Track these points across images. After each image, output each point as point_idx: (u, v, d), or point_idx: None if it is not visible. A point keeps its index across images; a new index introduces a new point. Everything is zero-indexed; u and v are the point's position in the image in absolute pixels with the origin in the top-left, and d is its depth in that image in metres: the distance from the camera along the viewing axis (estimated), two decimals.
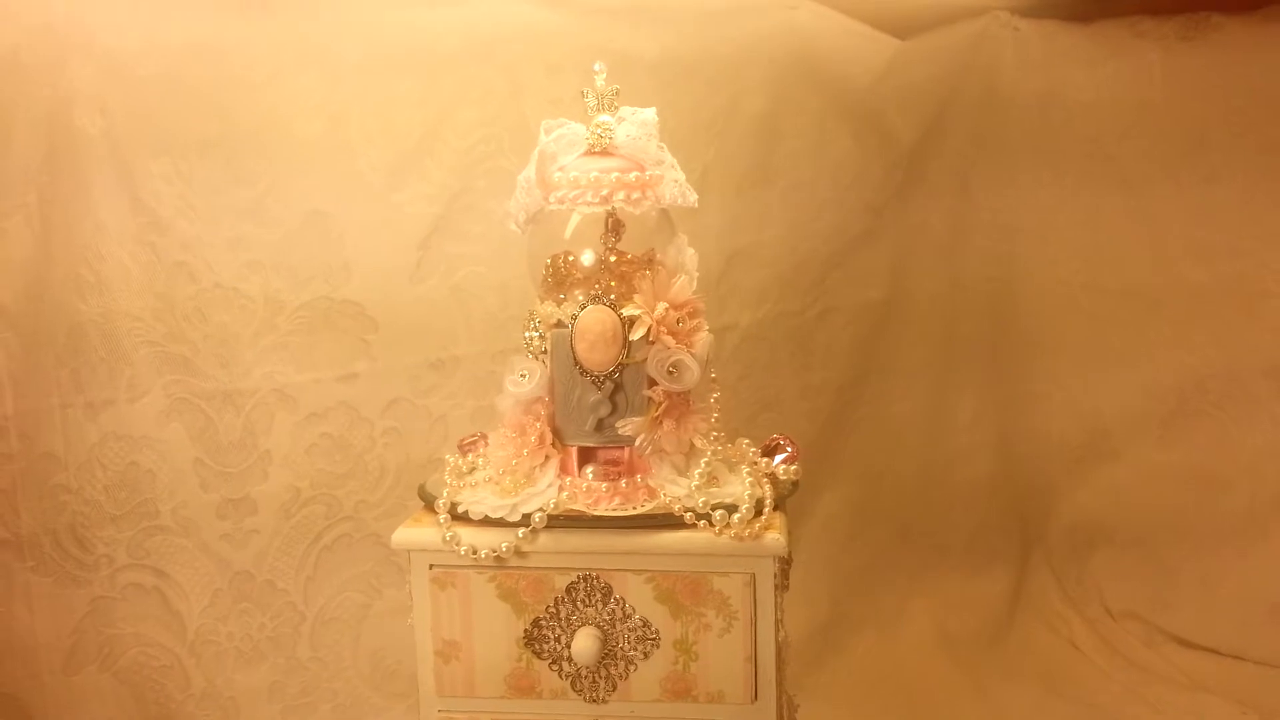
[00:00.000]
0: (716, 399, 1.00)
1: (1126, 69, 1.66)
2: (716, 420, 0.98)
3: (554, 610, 0.93)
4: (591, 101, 0.97)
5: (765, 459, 1.00)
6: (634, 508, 0.92)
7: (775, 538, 0.90)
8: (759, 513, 0.92)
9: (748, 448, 1.02)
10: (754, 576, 0.91)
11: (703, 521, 0.90)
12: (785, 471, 0.99)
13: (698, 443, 0.96)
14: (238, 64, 1.26)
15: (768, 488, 0.95)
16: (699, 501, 0.91)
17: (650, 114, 0.96)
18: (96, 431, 1.24)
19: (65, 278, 1.21)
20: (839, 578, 1.70)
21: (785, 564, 0.93)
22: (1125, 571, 1.77)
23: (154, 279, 1.25)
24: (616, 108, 0.97)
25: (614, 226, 0.99)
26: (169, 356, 1.26)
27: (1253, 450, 1.69)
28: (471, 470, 1.03)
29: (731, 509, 0.91)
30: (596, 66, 0.97)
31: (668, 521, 0.91)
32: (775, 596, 0.92)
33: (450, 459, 1.04)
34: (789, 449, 1.02)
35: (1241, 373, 1.68)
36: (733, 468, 0.99)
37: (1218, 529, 1.71)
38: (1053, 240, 1.77)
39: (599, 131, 0.96)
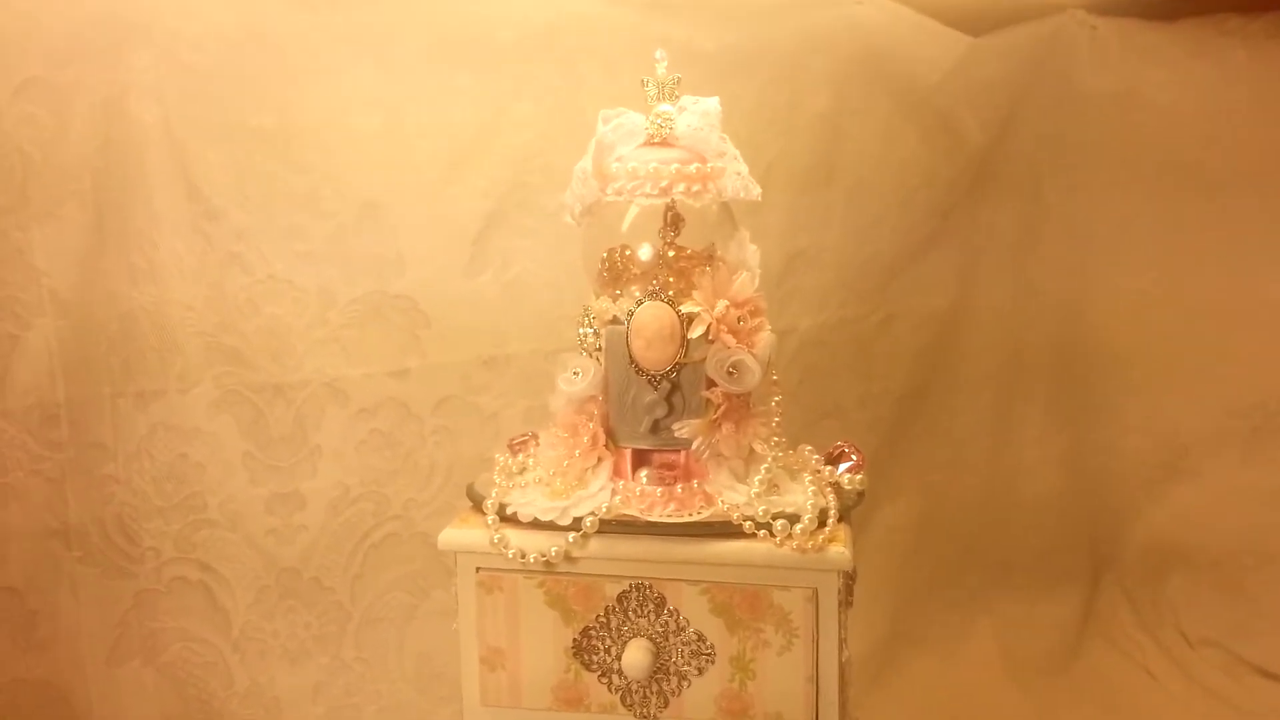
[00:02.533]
0: (778, 402, 0.95)
1: (1210, 70, 1.58)
2: (778, 424, 0.93)
3: (604, 620, 0.89)
4: (652, 90, 0.93)
5: (829, 467, 0.96)
6: (690, 514, 0.88)
7: (840, 551, 0.86)
8: (823, 524, 0.87)
9: (810, 455, 0.97)
10: (816, 591, 0.86)
11: (763, 531, 0.85)
12: (850, 481, 0.94)
13: (758, 448, 0.92)
14: (296, 54, 1.25)
15: (832, 497, 0.90)
16: (759, 510, 0.86)
17: (713, 104, 0.92)
18: (146, 422, 1.23)
19: (118, 265, 1.20)
20: (899, 594, 1.64)
21: (850, 579, 0.89)
22: (1204, 596, 1.68)
23: (207, 268, 1.24)
24: (677, 97, 0.93)
25: (673, 220, 0.95)
26: (220, 347, 1.25)
27: None
28: (522, 470, 1.00)
29: (794, 519, 0.86)
30: (658, 54, 0.93)
31: (725, 530, 0.86)
32: (839, 614, 0.87)
33: (500, 458, 1.01)
34: (854, 457, 0.97)
35: None
36: (794, 475, 0.94)
37: None
38: (1127, 249, 1.69)
39: (659, 121, 0.92)
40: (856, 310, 1.62)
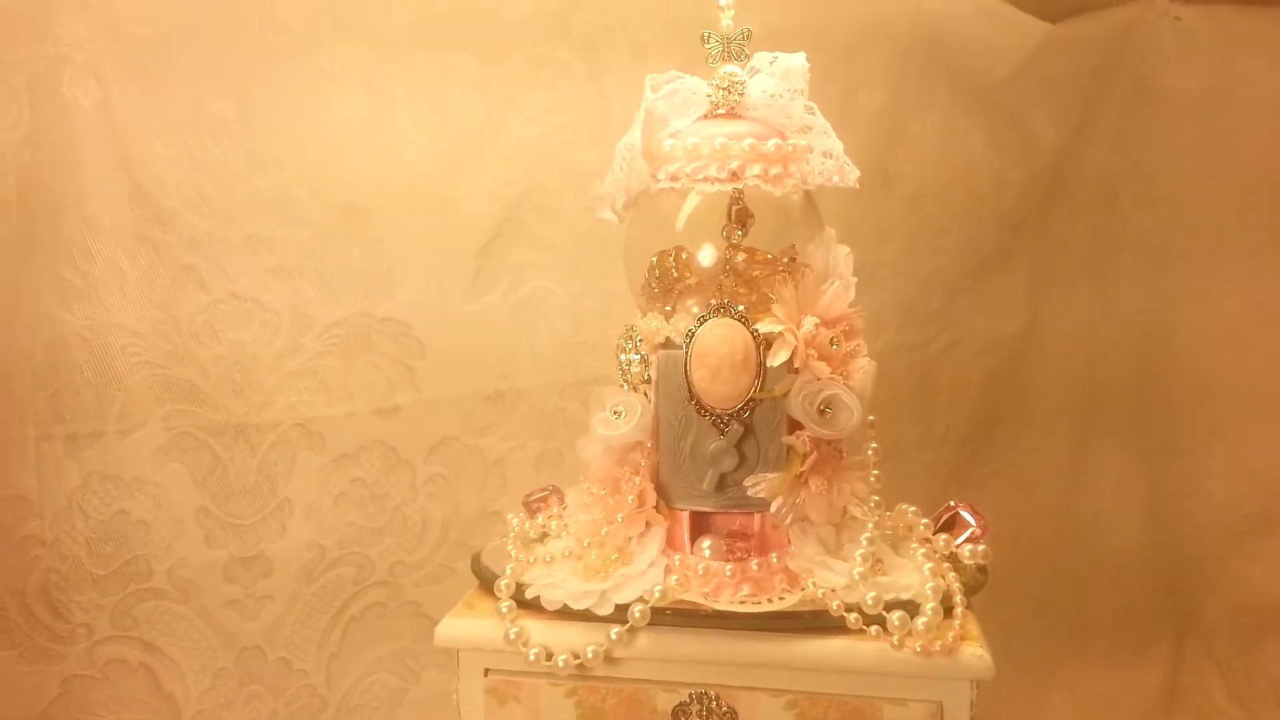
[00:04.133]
0: (875, 450, 0.74)
1: None
2: (877, 480, 0.72)
3: None
4: (715, 47, 0.73)
5: (941, 535, 0.74)
6: (771, 601, 0.66)
7: (976, 654, 0.64)
8: (948, 614, 0.65)
9: (916, 518, 0.75)
10: (941, 707, 0.65)
11: (874, 627, 0.64)
12: (973, 554, 0.73)
13: (855, 511, 0.70)
14: (263, 27, 1.06)
15: (953, 577, 0.68)
16: (866, 597, 0.65)
17: (797, 60, 0.72)
18: (79, 471, 1.04)
19: (46, 281, 1.02)
20: None
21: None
22: None
23: (155, 286, 1.06)
24: (748, 56, 0.73)
25: (739, 216, 0.75)
26: (171, 381, 1.07)
27: None
28: (542, 537, 0.79)
29: (912, 609, 0.64)
30: (723, 1, 0.73)
31: (820, 624, 0.65)
32: None
33: (514, 520, 0.80)
34: (973, 521, 0.75)
35: None
36: (898, 547, 0.73)
37: None
38: (1218, 265, 1.49)
39: (726, 85, 0.72)
40: (916, 336, 1.41)
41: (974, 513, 0.76)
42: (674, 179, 0.70)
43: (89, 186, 1.02)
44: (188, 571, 1.08)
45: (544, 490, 0.84)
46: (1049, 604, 1.53)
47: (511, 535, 0.78)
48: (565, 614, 0.68)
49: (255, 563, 1.10)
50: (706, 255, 0.73)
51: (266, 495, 1.10)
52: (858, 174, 0.74)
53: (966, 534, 0.74)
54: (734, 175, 0.69)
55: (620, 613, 0.66)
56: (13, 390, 1.01)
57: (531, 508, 0.82)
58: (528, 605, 0.69)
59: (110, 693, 1.07)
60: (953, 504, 0.77)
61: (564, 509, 0.79)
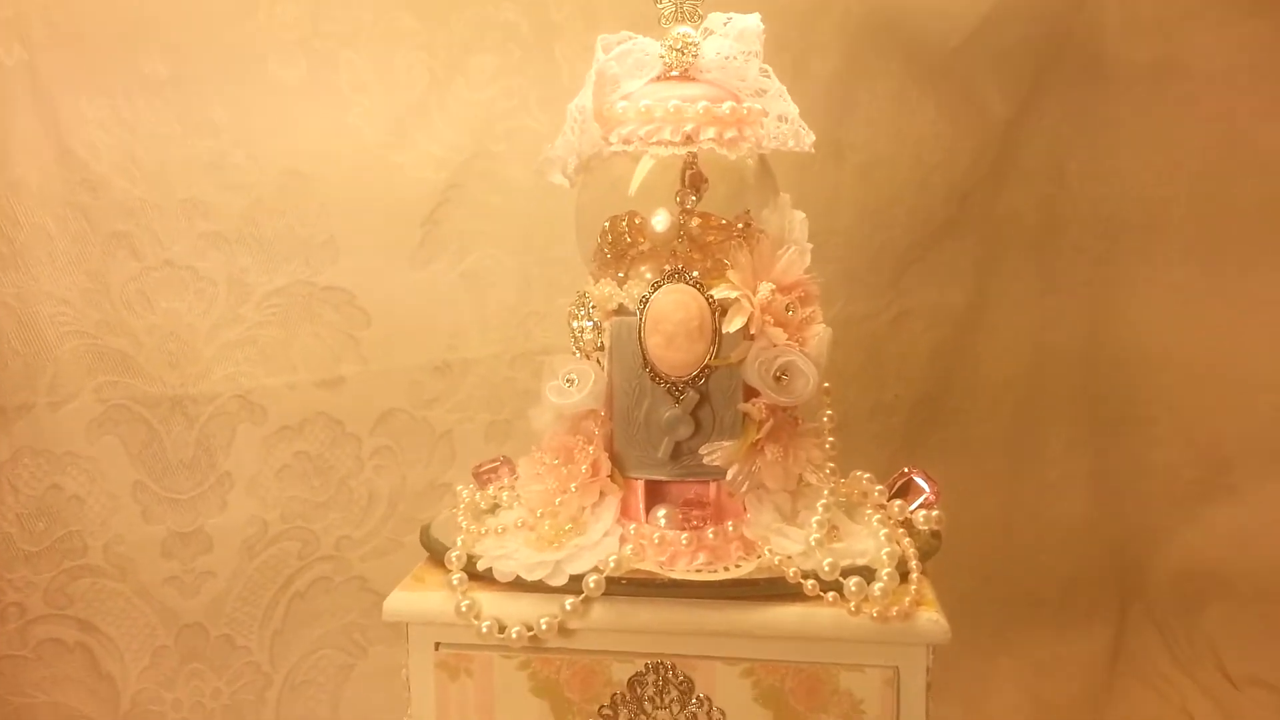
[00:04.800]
0: (830, 417, 0.73)
1: (1269, 30, 1.40)
2: (832, 446, 0.72)
3: (611, 713, 0.67)
4: (668, 8, 0.71)
5: (895, 500, 0.74)
6: (727, 569, 0.65)
7: (932, 618, 0.64)
8: (904, 579, 0.65)
9: (871, 485, 0.75)
10: (898, 671, 0.65)
11: (831, 593, 0.63)
12: (926, 519, 0.72)
13: (810, 478, 0.70)
14: None
15: (909, 543, 0.68)
16: (823, 563, 0.64)
17: (752, 21, 0.70)
18: (8, 445, 1.02)
19: None
20: None
21: None
22: (1248, 630, 1.49)
23: (86, 253, 1.03)
24: (701, 16, 0.71)
25: (693, 180, 0.73)
26: (103, 351, 1.04)
27: None
28: (493, 508, 0.77)
29: (868, 574, 0.64)
30: None
31: (776, 590, 0.64)
32: (926, 701, 0.65)
33: (463, 491, 0.78)
34: (927, 487, 0.75)
35: None
36: (853, 514, 0.72)
37: None
38: (1166, 237, 1.49)
39: (679, 47, 0.70)
40: (867, 306, 1.41)
41: (927, 479, 0.76)
42: (626, 142, 0.68)
43: (14, 150, 0.99)
44: (124, 548, 1.05)
45: (494, 461, 0.82)
46: (996, 571, 1.54)
47: (461, 507, 0.76)
48: (518, 585, 0.66)
49: (195, 538, 1.07)
50: (660, 220, 0.71)
51: (205, 469, 1.07)
52: (813, 138, 0.73)
53: (920, 500, 0.73)
54: (688, 139, 0.67)
55: (574, 583, 0.65)
56: None
57: (482, 479, 0.80)
58: (479, 577, 0.67)
59: (45, 673, 1.04)
60: (906, 470, 0.77)
61: (515, 479, 0.77)
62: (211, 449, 1.07)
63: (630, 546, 0.66)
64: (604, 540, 0.67)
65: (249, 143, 1.05)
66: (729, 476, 0.67)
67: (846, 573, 0.64)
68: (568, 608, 0.64)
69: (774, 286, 0.68)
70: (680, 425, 0.68)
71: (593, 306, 0.71)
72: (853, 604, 0.63)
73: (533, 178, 0.79)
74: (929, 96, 1.41)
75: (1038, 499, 1.58)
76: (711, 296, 0.67)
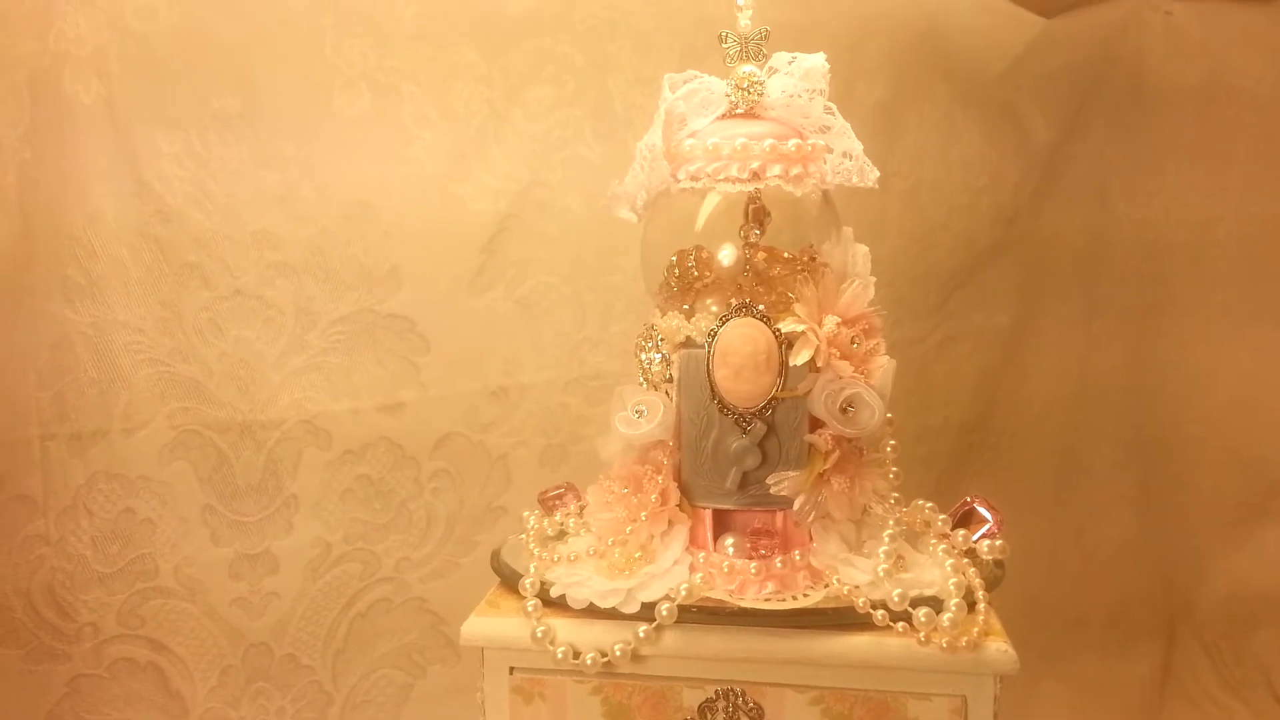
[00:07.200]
0: (894, 447, 0.75)
1: None
2: (896, 476, 0.73)
3: None
4: (733, 47, 0.73)
5: (959, 530, 0.75)
6: (796, 598, 0.67)
7: (1001, 648, 0.65)
8: (970, 609, 0.66)
9: (934, 514, 0.76)
10: (965, 701, 0.65)
11: (900, 623, 0.64)
12: (990, 549, 0.73)
13: (875, 508, 0.71)
14: (268, 21, 1.05)
15: (974, 573, 0.69)
16: (892, 593, 0.65)
17: (817, 61, 0.72)
18: (84, 470, 1.04)
19: (50, 279, 1.02)
20: None
21: None
22: None
23: (159, 283, 1.05)
24: (766, 55, 0.73)
25: (757, 215, 0.75)
26: (175, 379, 1.06)
27: None
28: (560, 535, 0.79)
29: (936, 604, 0.65)
30: (741, 1, 0.73)
31: (846, 620, 0.66)
32: None
33: (530, 518, 0.80)
34: (989, 516, 0.76)
35: None
36: (917, 543, 0.74)
37: None
38: (1211, 258, 1.50)
39: (745, 85, 0.72)
40: (914, 331, 1.42)
41: (990, 507, 0.77)
42: (695, 179, 0.70)
43: (91, 183, 1.02)
44: (194, 569, 1.08)
45: (559, 487, 0.84)
46: (1042, 593, 1.54)
47: (530, 532, 0.77)
48: (591, 612, 0.68)
49: (261, 560, 1.10)
50: (727, 255, 0.73)
51: (272, 492, 1.10)
52: (877, 174, 0.74)
53: (984, 530, 0.74)
54: (755, 175, 0.69)
55: (646, 611, 0.67)
56: (16, 390, 1.01)
57: (548, 505, 0.82)
58: (552, 604, 0.69)
59: (117, 691, 1.07)
60: (969, 499, 0.78)
61: (581, 506, 0.79)
62: (279, 473, 1.09)
63: (700, 575, 0.68)
64: (674, 568, 0.69)
65: (316, 175, 1.07)
66: (796, 506, 0.69)
67: (915, 603, 0.65)
68: (641, 635, 0.66)
69: (839, 320, 0.69)
70: (748, 456, 0.69)
71: (660, 339, 0.73)
72: (922, 634, 0.64)
73: (587, 206, 0.81)
74: (975, 121, 1.43)
75: (1084, 521, 1.58)
76: (778, 330, 0.68)
